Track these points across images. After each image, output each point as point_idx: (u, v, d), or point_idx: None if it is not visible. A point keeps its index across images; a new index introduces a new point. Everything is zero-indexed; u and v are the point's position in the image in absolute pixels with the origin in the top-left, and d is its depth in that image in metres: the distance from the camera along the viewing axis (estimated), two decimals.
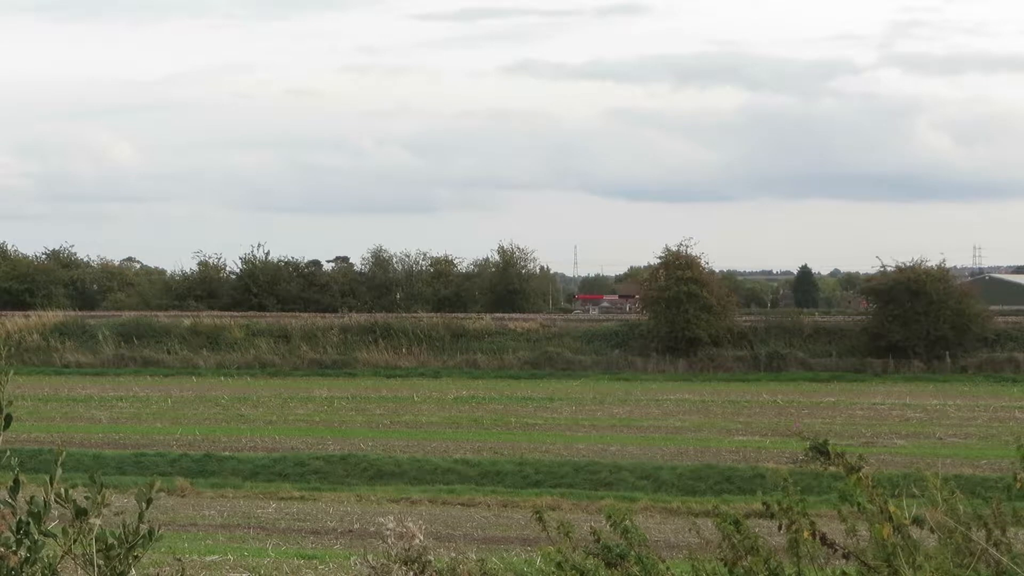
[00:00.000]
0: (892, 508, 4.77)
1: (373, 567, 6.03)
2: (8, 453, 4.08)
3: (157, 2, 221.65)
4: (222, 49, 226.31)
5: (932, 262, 58.74)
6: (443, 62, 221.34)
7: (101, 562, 4.03)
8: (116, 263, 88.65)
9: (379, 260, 75.70)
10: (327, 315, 64.21)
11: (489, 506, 28.09)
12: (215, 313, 64.50)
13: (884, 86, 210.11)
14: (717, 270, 67.52)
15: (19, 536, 3.94)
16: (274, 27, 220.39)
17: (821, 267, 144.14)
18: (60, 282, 75.90)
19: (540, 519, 5.91)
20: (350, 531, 24.74)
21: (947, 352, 55.44)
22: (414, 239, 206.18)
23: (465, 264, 76.50)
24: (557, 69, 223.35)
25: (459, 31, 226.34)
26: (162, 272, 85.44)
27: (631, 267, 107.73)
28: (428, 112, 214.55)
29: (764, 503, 5.07)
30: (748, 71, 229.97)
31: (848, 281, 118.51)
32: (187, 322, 61.99)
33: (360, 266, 78.03)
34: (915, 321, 55.63)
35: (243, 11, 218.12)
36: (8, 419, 4.08)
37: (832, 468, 4.94)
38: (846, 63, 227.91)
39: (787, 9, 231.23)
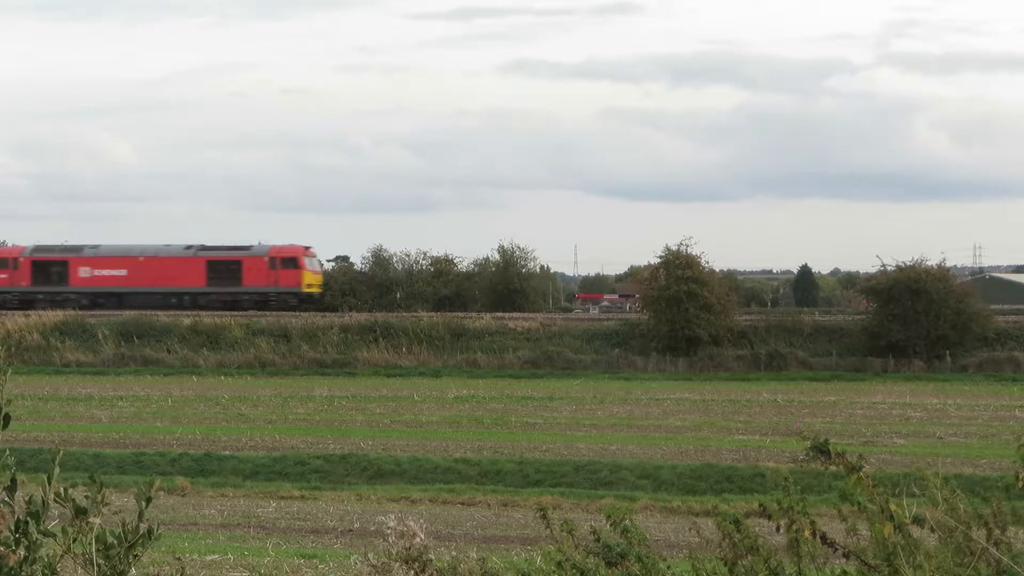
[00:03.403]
0: (893, 507, 4.77)
1: (374, 566, 6.03)
2: (6, 452, 4.08)
3: (154, 2, 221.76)
4: (220, 49, 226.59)
5: (932, 261, 58.74)
6: (440, 61, 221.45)
7: (101, 561, 4.03)
8: None
9: (379, 259, 75.70)
10: (327, 314, 64.19)
11: (489, 505, 28.10)
12: (215, 312, 64.49)
13: (881, 85, 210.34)
14: (717, 269, 67.47)
15: (18, 535, 3.94)
16: (271, 27, 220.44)
17: (821, 266, 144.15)
18: None
19: (544, 517, 5.91)
20: (350, 530, 24.74)
21: (947, 351, 55.41)
22: (414, 238, 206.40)
23: (465, 263, 76.58)
24: (553, 68, 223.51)
25: (455, 30, 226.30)
26: None
27: (631, 266, 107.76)
28: (426, 111, 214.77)
29: (761, 504, 5.06)
30: (745, 70, 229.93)
31: (848, 280, 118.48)
32: (187, 321, 61.97)
33: (360, 265, 78.10)
34: (915, 320, 55.59)
35: (240, 11, 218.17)
36: (7, 418, 4.07)
37: (832, 467, 4.94)
38: (843, 62, 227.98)
39: (783, 9, 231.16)
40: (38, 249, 72.33)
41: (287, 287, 68.53)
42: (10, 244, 78.82)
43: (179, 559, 5.82)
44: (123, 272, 69.77)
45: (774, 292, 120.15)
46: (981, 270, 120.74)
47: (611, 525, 5.63)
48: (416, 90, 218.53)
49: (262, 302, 67.72)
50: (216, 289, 68.78)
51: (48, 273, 70.99)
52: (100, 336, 60.67)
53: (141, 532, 4.08)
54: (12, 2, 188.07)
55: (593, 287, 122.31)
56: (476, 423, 39.37)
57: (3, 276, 70.95)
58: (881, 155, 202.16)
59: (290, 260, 69.43)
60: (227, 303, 66.91)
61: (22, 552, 3.91)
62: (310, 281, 70.08)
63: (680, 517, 24.69)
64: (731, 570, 5.11)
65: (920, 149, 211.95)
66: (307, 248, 71.26)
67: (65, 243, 73.30)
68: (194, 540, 22.11)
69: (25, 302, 68.72)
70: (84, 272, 70.36)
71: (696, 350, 57.43)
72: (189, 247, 70.81)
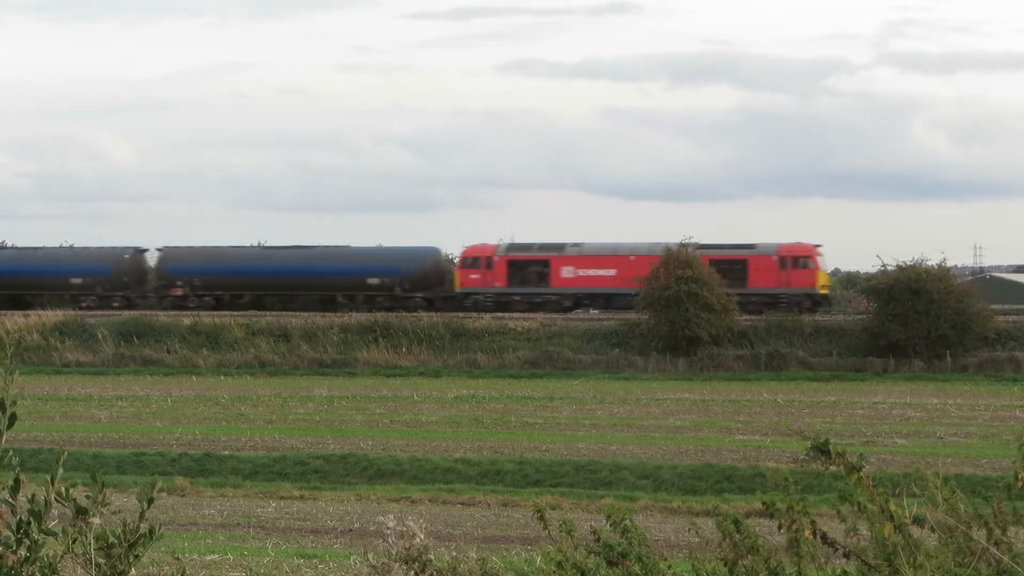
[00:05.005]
0: (893, 507, 4.77)
1: (374, 566, 6.03)
2: (10, 453, 4.08)
3: (154, 2, 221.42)
4: (219, 49, 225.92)
5: (932, 261, 58.67)
6: (438, 61, 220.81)
7: (101, 561, 4.03)
8: None
9: None
10: (327, 314, 64.16)
11: (489, 505, 28.10)
12: (215, 312, 64.46)
13: (880, 85, 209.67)
14: None
15: (19, 535, 3.94)
16: (270, 27, 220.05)
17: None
18: None
19: (541, 517, 5.90)
20: (350, 530, 24.74)
21: (948, 351, 55.37)
22: (414, 238, 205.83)
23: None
24: (553, 68, 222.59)
25: (454, 30, 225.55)
26: None
27: None
28: (425, 111, 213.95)
29: (764, 503, 5.07)
30: (743, 70, 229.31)
31: (848, 280, 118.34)
32: (187, 321, 61.96)
33: None
34: (916, 320, 55.56)
35: (239, 11, 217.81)
36: (12, 418, 4.07)
37: (833, 467, 4.94)
38: (841, 62, 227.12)
39: (781, 8, 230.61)
40: (513, 247, 67.42)
41: (800, 288, 63.28)
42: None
43: (178, 559, 5.84)
44: (612, 272, 65.23)
45: None
46: (981, 270, 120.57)
47: (611, 525, 5.62)
48: (415, 90, 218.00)
49: (770, 304, 63.07)
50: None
51: (526, 273, 66.71)
52: (100, 336, 60.65)
53: (141, 532, 4.09)
54: (12, 2, 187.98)
55: None
56: (476, 423, 39.36)
57: (475, 276, 66.50)
58: (881, 155, 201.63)
59: (802, 259, 64.77)
60: None
61: (23, 552, 3.92)
62: (824, 282, 66.20)
63: (680, 517, 24.69)
64: (731, 570, 5.11)
65: (919, 149, 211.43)
66: (817, 246, 66.31)
67: (541, 241, 68.37)
68: (194, 540, 22.10)
69: (500, 304, 65.12)
70: (567, 272, 66.14)
71: (696, 350, 57.39)
72: (686, 245, 65.35)
